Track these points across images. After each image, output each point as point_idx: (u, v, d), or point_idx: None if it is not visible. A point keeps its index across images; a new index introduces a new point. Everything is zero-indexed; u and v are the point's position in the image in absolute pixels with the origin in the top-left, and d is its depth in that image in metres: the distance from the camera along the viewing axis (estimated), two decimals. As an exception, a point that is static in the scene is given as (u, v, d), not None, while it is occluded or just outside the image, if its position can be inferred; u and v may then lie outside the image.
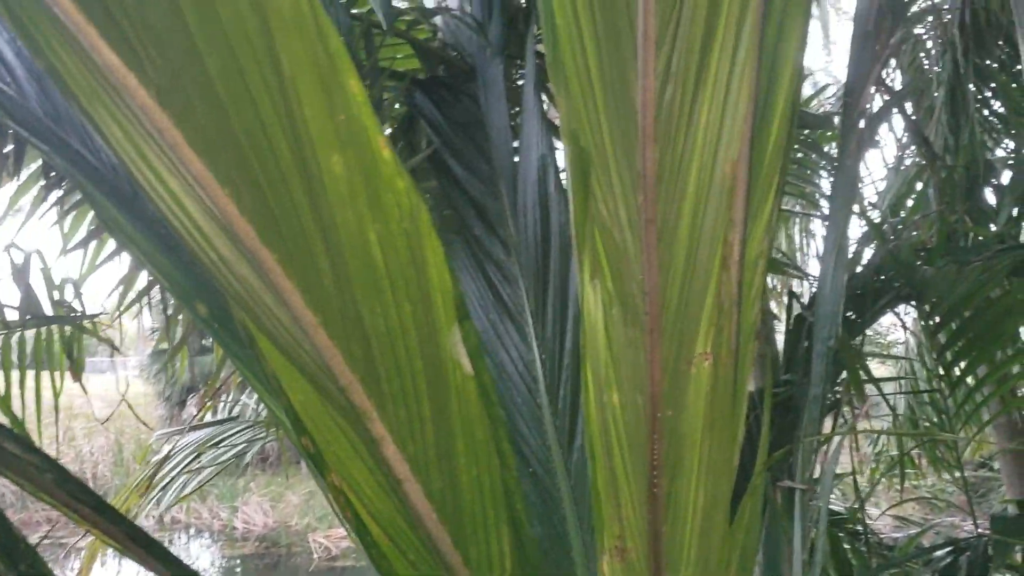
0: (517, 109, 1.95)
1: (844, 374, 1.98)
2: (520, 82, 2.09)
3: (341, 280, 0.66)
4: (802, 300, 2.35)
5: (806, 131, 2.74)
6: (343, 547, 12.93)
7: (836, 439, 1.44)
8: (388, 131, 2.24)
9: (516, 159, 1.74)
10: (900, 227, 2.95)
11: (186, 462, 2.41)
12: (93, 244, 2.20)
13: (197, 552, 14.03)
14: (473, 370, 0.74)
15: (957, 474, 2.97)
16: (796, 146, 2.76)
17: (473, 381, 0.74)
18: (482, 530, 0.81)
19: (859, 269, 2.16)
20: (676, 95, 0.87)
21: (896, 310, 2.46)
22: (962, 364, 2.27)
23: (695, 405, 0.95)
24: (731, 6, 0.85)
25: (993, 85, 3.59)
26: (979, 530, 2.02)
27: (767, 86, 0.99)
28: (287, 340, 0.71)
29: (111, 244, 2.23)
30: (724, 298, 0.96)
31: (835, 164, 1.84)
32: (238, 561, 13.31)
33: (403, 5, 2.20)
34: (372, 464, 0.76)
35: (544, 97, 1.84)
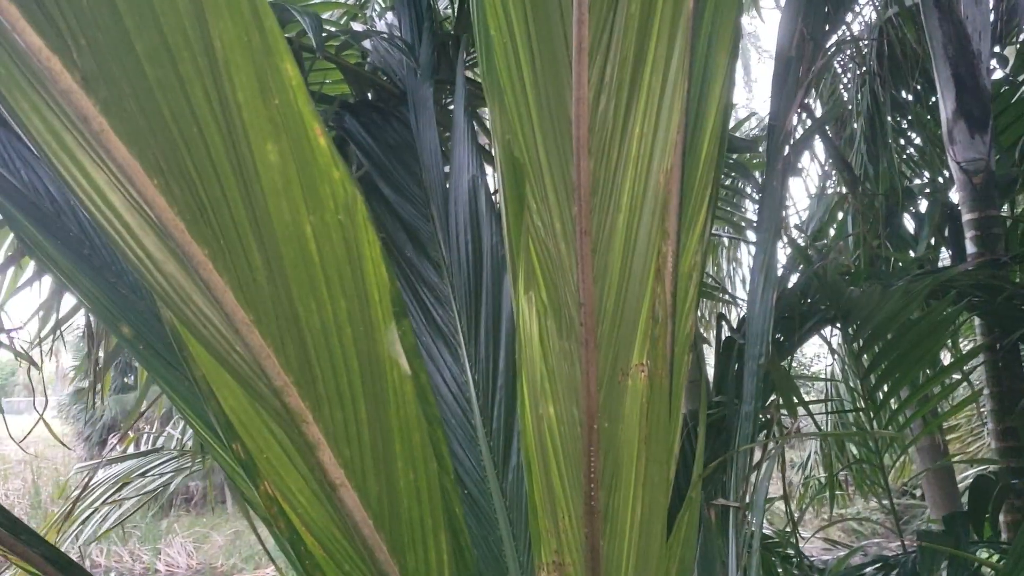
0: (448, 134, 1.94)
1: (773, 396, 2.01)
2: (451, 107, 2.09)
3: (275, 275, 0.64)
4: (731, 324, 2.38)
5: (734, 156, 2.79)
6: (270, 589, 12.65)
7: (769, 455, 1.46)
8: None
9: (447, 182, 1.73)
10: (824, 251, 3.01)
11: (109, 493, 2.33)
12: (11, 270, 2.12)
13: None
14: (411, 370, 0.72)
15: (883, 497, 3.02)
16: (724, 171, 2.81)
17: (411, 381, 0.72)
18: (420, 537, 0.78)
19: (786, 291, 2.20)
20: (610, 106, 0.88)
21: (822, 333, 2.50)
22: (886, 387, 2.31)
23: (631, 416, 0.95)
24: (663, 17, 0.86)
25: (910, 118, 3.72)
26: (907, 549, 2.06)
27: (699, 98, 1.00)
28: (218, 341, 0.68)
29: (30, 269, 2.15)
30: (659, 309, 0.96)
31: (761, 189, 1.88)
32: (161, 605, 12.91)
33: (332, 29, 2.18)
34: (306, 470, 0.73)
35: (475, 122, 1.84)
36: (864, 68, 3.44)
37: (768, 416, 1.90)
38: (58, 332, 2.25)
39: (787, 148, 1.68)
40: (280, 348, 0.66)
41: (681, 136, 0.94)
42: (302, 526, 0.76)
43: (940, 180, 3.66)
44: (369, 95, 2.08)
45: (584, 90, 0.87)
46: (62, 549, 2.50)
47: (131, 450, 2.85)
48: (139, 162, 0.57)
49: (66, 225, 1.35)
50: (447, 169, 1.79)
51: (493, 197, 1.64)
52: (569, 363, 0.95)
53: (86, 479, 2.48)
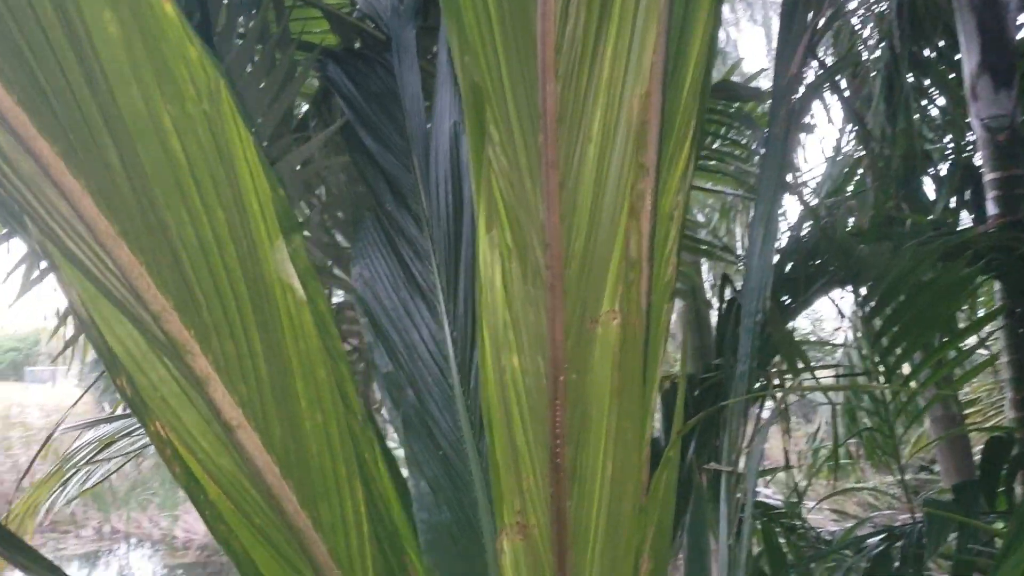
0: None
1: (778, 359, 1.93)
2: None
3: (136, 178, 0.55)
4: (735, 286, 2.29)
5: (750, 109, 2.70)
6: (287, 555, 12.77)
7: (763, 421, 1.38)
8: (303, 106, 2.14)
9: (430, 129, 1.65)
10: (835, 209, 2.92)
11: (93, 453, 2.28)
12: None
13: (137, 562, 13.75)
14: (307, 296, 0.63)
15: (895, 468, 2.94)
16: (734, 126, 2.71)
17: (308, 308, 0.64)
18: (333, 486, 0.70)
19: (792, 250, 2.11)
20: (579, 22, 0.80)
21: (832, 296, 2.41)
22: (898, 351, 2.22)
23: (601, 368, 0.87)
24: (637, -79, 0.77)
25: (931, 75, 3.60)
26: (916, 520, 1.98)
27: (682, 18, 0.91)
28: (89, 259, 0.59)
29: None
30: (633, 251, 0.87)
31: (765, 139, 1.80)
32: (180, 571, 13.04)
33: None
34: (207, 411, 0.65)
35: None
36: (884, 23, 3.32)
37: (766, 380, 1.82)
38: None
39: (794, 93, 1.59)
40: (153, 266, 0.58)
41: (660, 60, 0.85)
42: (203, 473, 0.68)
43: (963, 143, 3.54)
44: (357, 44, 2.00)
45: (551, 4, 0.79)
46: (54, 508, 2.48)
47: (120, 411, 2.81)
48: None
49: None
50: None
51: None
52: (534, 310, 0.87)
53: (49, 437, 2.44)
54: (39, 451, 2.25)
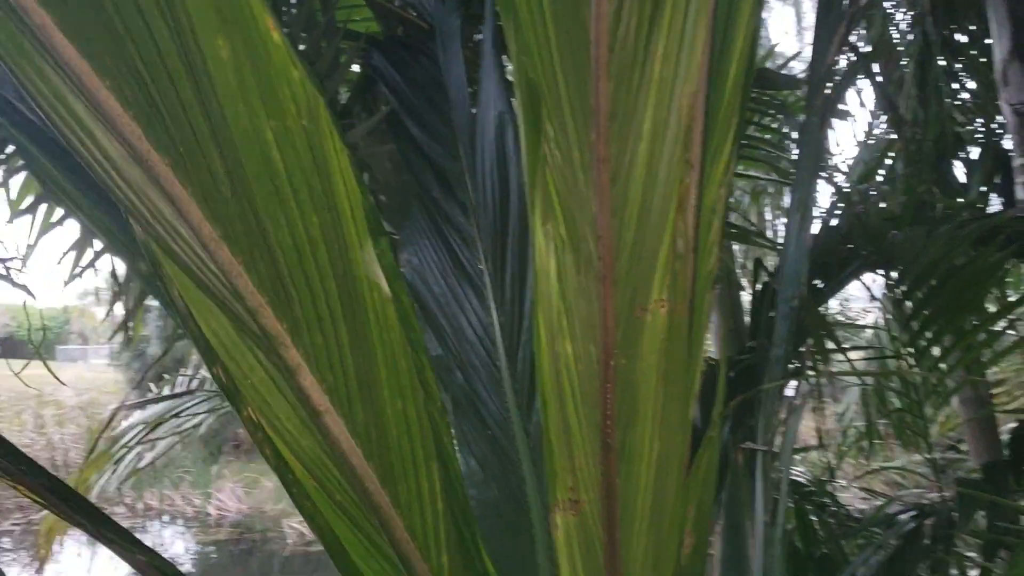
0: (479, 72, 1.90)
1: (810, 341, 1.97)
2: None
3: (239, 186, 0.60)
4: (769, 270, 2.32)
5: (779, 95, 2.72)
6: (318, 532, 12.88)
7: (798, 399, 1.42)
8: (344, 94, 2.18)
9: (475, 119, 1.69)
10: (868, 193, 2.94)
11: (143, 433, 2.35)
12: (43, 208, 2.13)
13: (170, 539, 13.94)
14: (392, 292, 0.69)
15: (924, 448, 2.97)
16: (769, 113, 2.73)
17: (392, 304, 0.69)
18: (411, 467, 0.76)
19: (826, 235, 2.14)
20: (631, 23, 0.83)
21: (863, 280, 2.44)
22: (928, 334, 2.25)
23: (649, 354, 0.92)
24: (687, -73, 0.81)
25: (963, 61, 3.59)
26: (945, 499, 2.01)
27: (726, 16, 0.95)
28: (191, 259, 0.65)
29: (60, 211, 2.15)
30: (680, 243, 0.92)
31: (801, 127, 1.82)
32: (212, 548, 13.21)
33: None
34: (293, 397, 0.71)
35: (504, 56, 1.80)
36: (916, 8, 3.32)
37: (800, 362, 1.86)
38: (105, 278, 2.26)
39: (830, 82, 1.62)
40: (251, 266, 0.63)
41: (707, 57, 0.89)
42: (290, 454, 0.74)
43: (994, 127, 3.54)
44: (399, 32, 2.04)
45: (604, 6, 0.83)
46: (101, 487, 2.55)
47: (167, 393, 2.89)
48: (87, 62, 0.54)
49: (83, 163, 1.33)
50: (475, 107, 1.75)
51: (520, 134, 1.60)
52: (587, 299, 0.91)
53: (110, 419, 2.50)
54: (102, 431, 2.32)
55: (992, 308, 2.54)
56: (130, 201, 0.63)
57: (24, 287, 1.90)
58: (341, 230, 0.65)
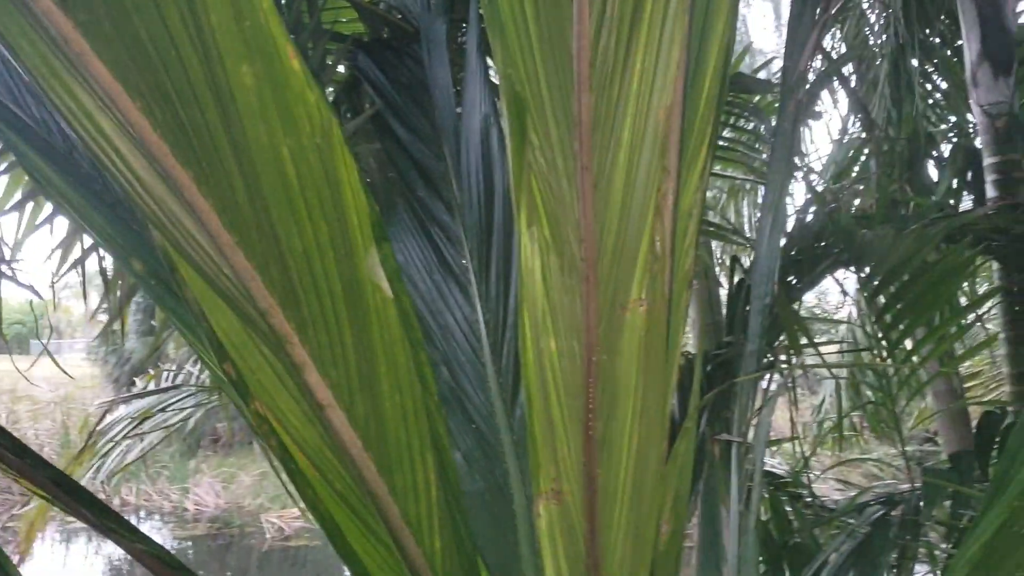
0: (463, 74, 1.94)
1: (783, 337, 2.02)
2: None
3: (256, 198, 0.65)
4: (745, 267, 2.38)
5: (753, 98, 2.77)
6: (296, 527, 12.86)
7: (772, 392, 1.48)
8: (331, 94, 2.22)
9: (460, 121, 1.74)
10: (840, 193, 3.00)
11: (129, 428, 2.38)
12: (29, 206, 2.16)
13: (147, 534, 13.84)
14: (393, 293, 0.74)
15: (897, 440, 3.04)
16: (743, 114, 2.79)
17: (393, 305, 0.74)
18: (407, 457, 0.81)
19: (799, 233, 2.19)
20: (611, 40, 0.88)
21: (836, 276, 2.50)
22: (900, 328, 2.31)
23: (630, 350, 0.97)
24: (664, -49, 0.85)
25: (936, 62, 3.66)
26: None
27: (700, 33, 1.00)
28: (206, 263, 0.70)
29: (49, 206, 2.18)
30: (658, 246, 0.97)
31: (774, 129, 1.87)
32: (190, 543, 13.15)
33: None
34: (296, 392, 0.76)
35: (488, 59, 1.84)
36: (889, 9, 3.38)
37: (774, 356, 1.91)
38: (84, 274, 2.28)
39: (802, 88, 1.67)
40: (264, 270, 0.68)
41: (682, 73, 0.94)
42: (294, 445, 0.79)
43: (965, 126, 3.61)
44: (384, 34, 2.08)
45: (585, 24, 0.87)
46: (85, 482, 2.57)
47: (152, 388, 2.91)
48: (121, 85, 0.59)
49: (77, 162, 1.36)
50: (460, 109, 1.79)
51: (504, 136, 1.64)
52: (570, 298, 0.96)
53: (104, 413, 2.53)
54: (97, 424, 2.35)
55: (964, 301, 2.61)
56: (151, 210, 0.68)
57: (31, 287, 1.93)
58: (348, 237, 0.70)
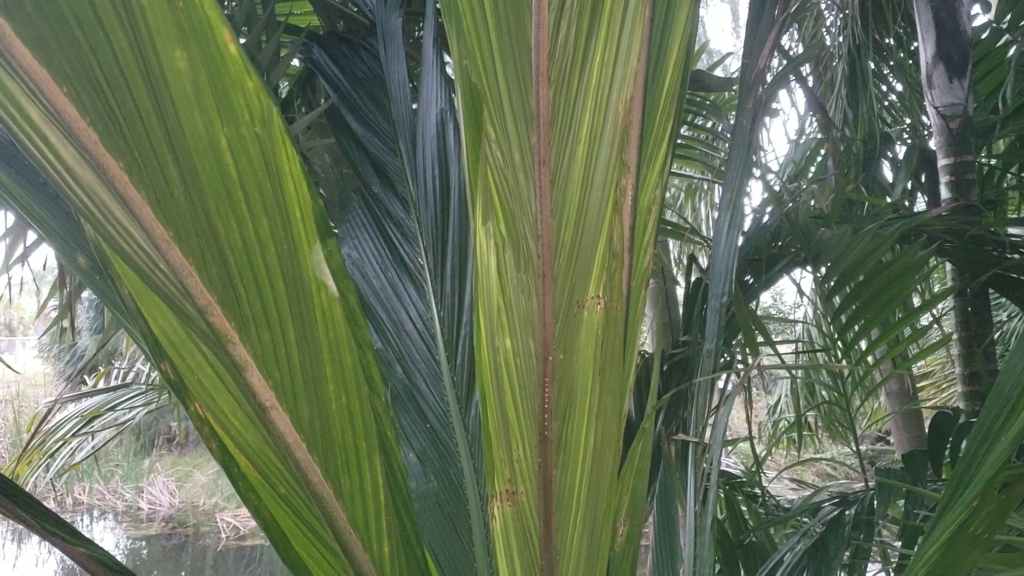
0: (420, 68, 1.92)
1: (740, 336, 2.02)
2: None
3: (192, 190, 0.62)
4: (702, 266, 2.38)
5: (711, 96, 2.77)
6: (251, 526, 12.75)
7: (728, 392, 1.47)
8: (284, 87, 2.19)
9: (416, 115, 1.71)
10: (798, 193, 3.02)
11: (79, 427, 2.32)
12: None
13: (101, 534, 13.66)
14: (339, 292, 0.71)
15: (851, 439, 3.06)
16: (703, 113, 2.80)
17: (339, 303, 0.71)
18: (354, 460, 0.78)
19: (756, 233, 2.20)
20: (571, 32, 0.86)
21: (792, 276, 2.52)
22: (856, 327, 2.33)
23: (586, 349, 0.95)
24: (625, -58, 0.84)
25: (892, 64, 3.70)
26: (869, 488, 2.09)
27: (662, 28, 0.99)
28: (141, 259, 0.67)
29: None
30: (616, 243, 0.95)
31: (732, 128, 1.87)
32: (143, 543, 12.99)
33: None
34: (238, 392, 0.73)
35: (445, 54, 1.82)
36: (846, 10, 3.41)
37: (728, 356, 1.91)
38: (30, 269, 2.23)
39: (760, 87, 1.66)
40: (202, 266, 0.65)
41: (643, 67, 0.92)
42: (235, 448, 0.76)
43: (920, 127, 3.66)
44: (339, 27, 2.05)
45: (544, 15, 0.85)
46: (34, 482, 2.51)
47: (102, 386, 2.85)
48: (46, 69, 0.56)
49: (21, 154, 1.32)
50: (416, 104, 1.77)
51: (461, 131, 1.62)
52: (526, 295, 0.94)
53: (50, 412, 2.47)
54: (40, 424, 2.29)
55: (916, 302, 2.64)
56: (82, 202, 0.64)
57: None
58: (291, 232, 0.67)
